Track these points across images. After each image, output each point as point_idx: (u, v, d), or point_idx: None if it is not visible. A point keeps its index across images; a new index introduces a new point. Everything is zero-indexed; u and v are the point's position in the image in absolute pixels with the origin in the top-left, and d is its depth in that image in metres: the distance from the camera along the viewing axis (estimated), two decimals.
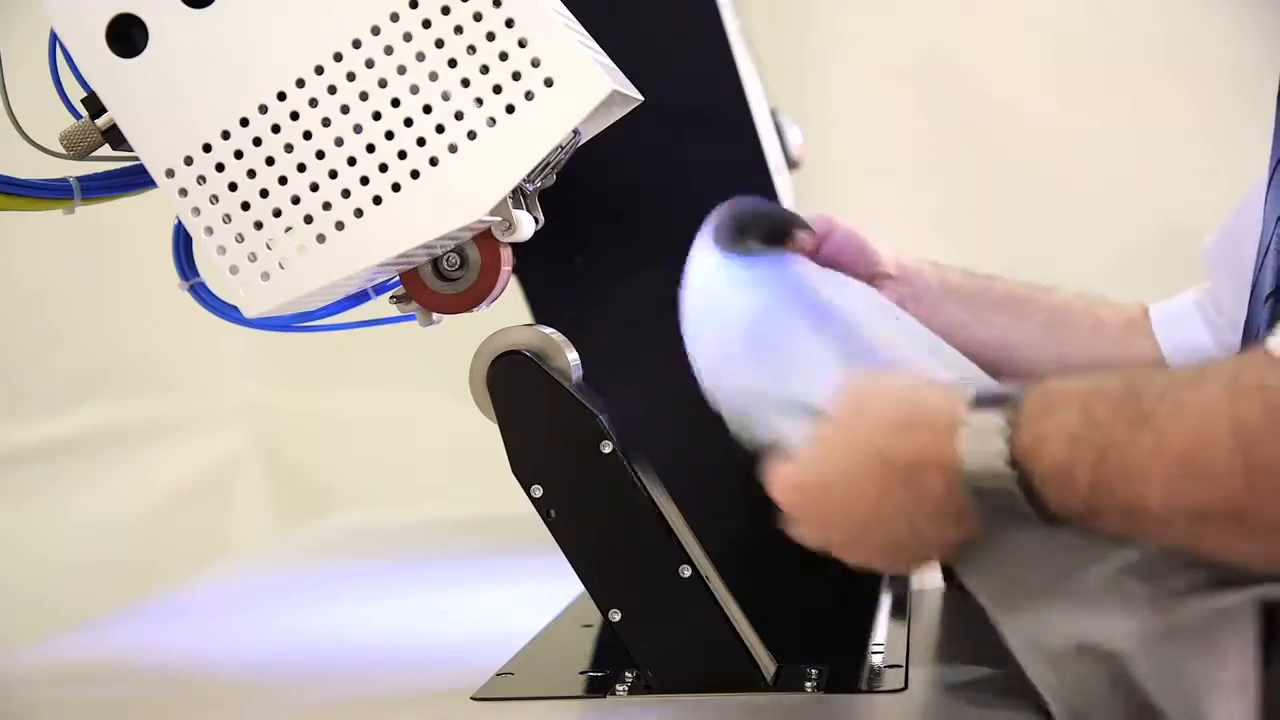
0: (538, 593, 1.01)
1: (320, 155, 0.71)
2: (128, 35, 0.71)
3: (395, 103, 0.70)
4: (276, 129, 0.71)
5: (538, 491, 0.75)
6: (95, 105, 0.72)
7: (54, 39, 0.72)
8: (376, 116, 0.70)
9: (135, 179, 0.76)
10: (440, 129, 0.70)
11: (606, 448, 0.74)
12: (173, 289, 0.78)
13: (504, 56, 0.69)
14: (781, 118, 1.23)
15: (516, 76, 0.69)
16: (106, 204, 0.78)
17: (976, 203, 1.90)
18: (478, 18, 0.69)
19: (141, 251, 1.72)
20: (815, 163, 1.38)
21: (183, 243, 0.77)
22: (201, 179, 0.71)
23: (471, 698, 0.78)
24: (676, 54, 1.08)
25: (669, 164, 1.01)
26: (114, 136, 0.73)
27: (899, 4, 1.90)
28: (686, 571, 0.74)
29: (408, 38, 0.70)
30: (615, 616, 0.75)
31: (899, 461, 0.61)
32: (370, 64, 0.70)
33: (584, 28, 0.75)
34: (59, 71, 0.72)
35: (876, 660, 0.79)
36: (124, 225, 1.35)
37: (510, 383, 0.75)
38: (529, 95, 0.69)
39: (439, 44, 0.70)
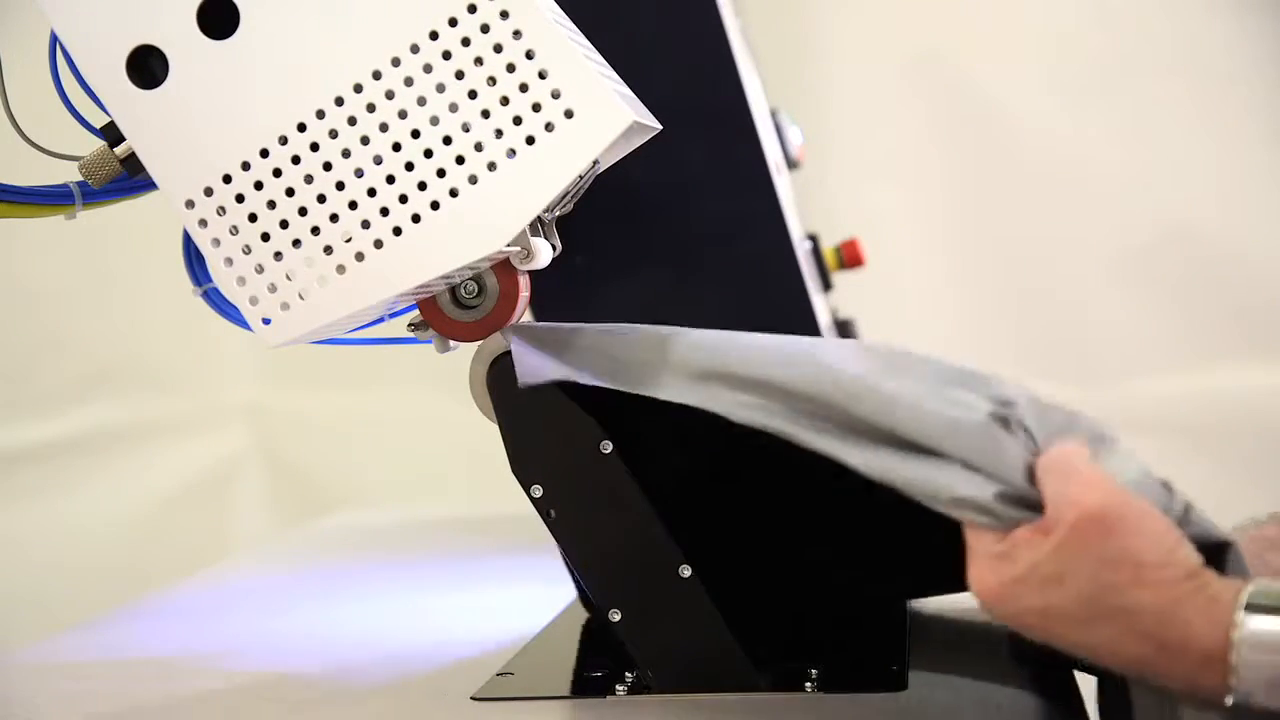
0: (538, 593, 1.01)
1: (341, 186, 0.70)
2: (148, 66, 0.71)
3: (416, 134, 0.70)
4: (297, 160, 0.70)
5: (538, 491, 0.75)
6: (114, 133, 0.72)
7: (54, 41, 0.72)
8: (397, 148, 0.70)
9: (135, 183, 0.76)
10: (461, 160, 0.70)
11: (606, 448, 0.74)
12: (172, 289, 0.78)
13: (524, 88, 0.69)
14: (781, 118, 1.23)
15: (537, 108, 0.69)
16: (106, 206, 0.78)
17: (976, 203, 1.90)
18: (498, 49, 0.69)
19: (141, 252, 1.73)
20: (815, 163, 1.38)
21: (194, 248, 0.76)
22: (222, 210, 0.71)
23: (471, 698, 0.78)
24: (676, 54, 1.08)
25: (669, 164, 1.01)
26: (133, 165, 0.73)
27: (899, 4, 1.90)
28: (686, 572, 0.74)
29: (429, 69, 0.70)
30: (615, 616, 0.75)
31: (1132, 661, 0.59)
32: (391, 95, 0.70)
33: (584, 29, 0.75)
34: (59, 73, 0.72)
35: (876, 660, 0.79)
36: (123, 226, 1.35)
37: (510, 383, 0.75)
38: (549, 127, 0.69)
39: (460, 75, 0.69)
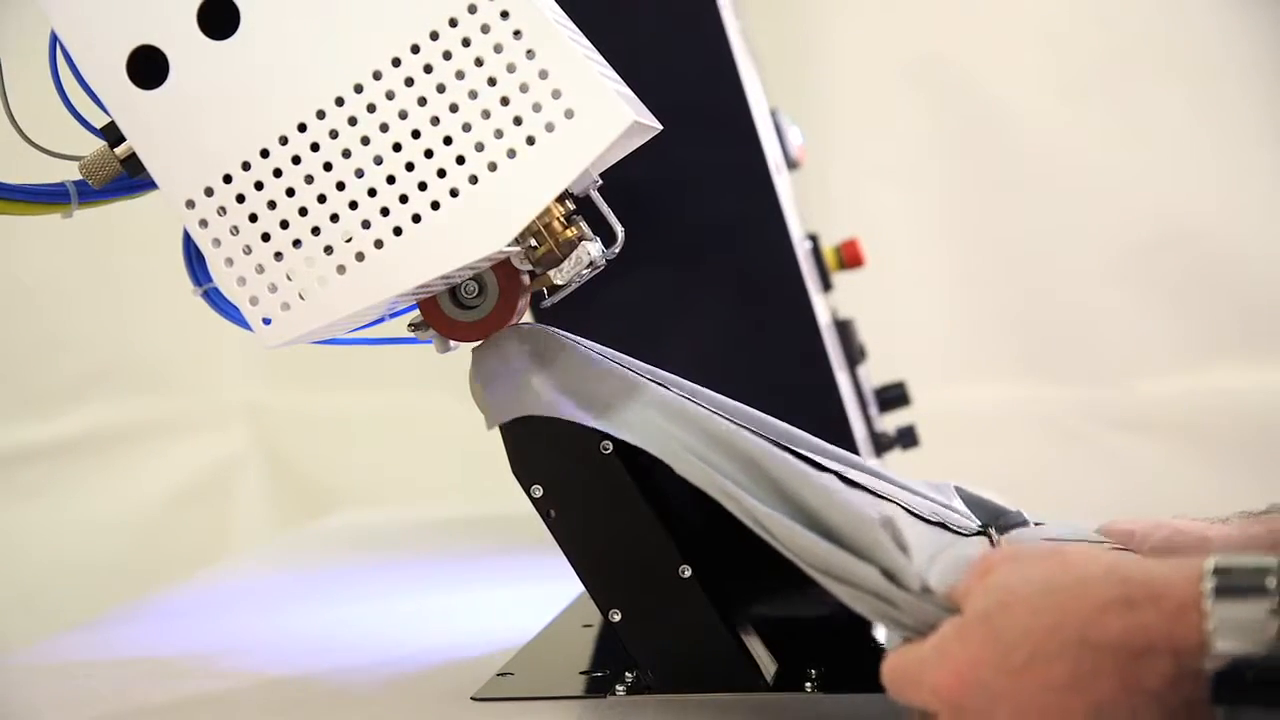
0: (538, 593, 1.01)
1: (341, 186, 0.70)
2: (148, 67, 0.71)
3: (416, 134, 0.70)
4: (298, 160, 0.70)
5: (538, 491, 0.75)
6: (114, 133, 0.72)
7: (54, 41, 0.72)
8: (398, 148, 0.70)
9: (136, 183, 0.76)
10: (461, 160, 0.70)
11: (607, 448, 0.74)
12: (172, 289, 0.78)
13: (525, 88, 0.69)
14: (781, 118, 1.23)
15: (537, 108, 0.69)
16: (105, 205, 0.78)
17: (976, 203, 1.90)
18: (499, 49, 0.69)
19: (141, 252, 1.73)
20: (815, 163, 1.38)
21: (194, 248, 0.76)
22: (222, 210, 0.71)
23: (471, 698, 0.78)
24: (676, 54, 1.08)
25: (669, 164, 1.01)
26: (133, 165, 0.73)
27: (899, 4, 1.90)
28: (687, 572, 0.74)
29: (429, 69, 0.70)
30: (615, 616, 0.75)
31: (1112, 644, 0.51)
32: (391, 95, 0.70)
33: (584, 29, 0.75)
34: (59, 73, 0.72)
35: (876, 660, 0.79)
36: (124, 226, 1.35)
37: None
38: (549, 127, 0.69)
39: (460, 75, 0.69)
